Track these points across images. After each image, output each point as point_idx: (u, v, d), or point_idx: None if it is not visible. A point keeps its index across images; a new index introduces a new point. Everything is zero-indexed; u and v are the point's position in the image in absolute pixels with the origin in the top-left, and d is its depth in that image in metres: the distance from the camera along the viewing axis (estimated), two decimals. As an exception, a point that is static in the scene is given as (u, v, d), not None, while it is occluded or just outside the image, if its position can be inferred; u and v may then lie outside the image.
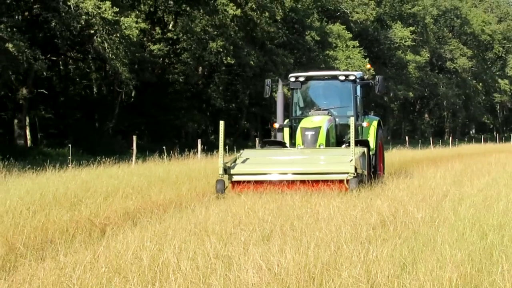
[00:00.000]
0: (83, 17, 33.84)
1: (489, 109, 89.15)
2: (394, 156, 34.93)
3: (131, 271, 6.18)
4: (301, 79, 15.00)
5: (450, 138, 69.95)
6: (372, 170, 14.07)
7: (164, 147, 22.29)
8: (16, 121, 44.82)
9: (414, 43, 66.44)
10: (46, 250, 8.29)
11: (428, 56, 69.66)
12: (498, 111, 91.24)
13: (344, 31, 56.01)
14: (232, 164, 12.68)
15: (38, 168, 19.00)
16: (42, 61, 35.36)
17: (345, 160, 11.61)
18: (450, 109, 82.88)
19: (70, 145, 30.06)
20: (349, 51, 54.11)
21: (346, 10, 58.10)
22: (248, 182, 12.29)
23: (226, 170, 12.48)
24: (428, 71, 72.37)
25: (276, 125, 14.81)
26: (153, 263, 6.62)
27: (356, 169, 11.36)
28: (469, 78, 79.40)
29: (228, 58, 38.74)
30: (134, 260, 6.81)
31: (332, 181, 11.61)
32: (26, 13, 38.98)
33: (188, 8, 43.06)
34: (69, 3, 34.25)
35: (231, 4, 43.21)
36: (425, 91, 74.27)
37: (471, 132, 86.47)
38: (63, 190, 13.90)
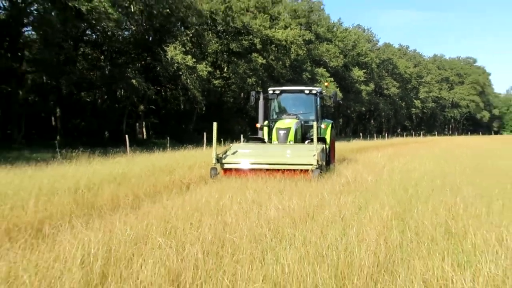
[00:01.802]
0: (175, 64, 40.30)
1: (408, 117, 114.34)
2: (354, 145, 37.82)
3: (204, 209, 7.51)
4: (277, 92, 15.92)
5: (386, 134, 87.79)
6: (327, 159, 14.42)
7: (221, 139, 24.90)
8: (137, 124, 53.44)
9: (365, 79, 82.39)
10: (156, 197, 9.51)
11: (373, 87, 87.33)
12: (414, 119, 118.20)
13: (325, 72, 68.61)
14: (224, 155, 12.97)
15: (150, 151, 21.44)
16: (152, 90, 42.52)
17: (310, 154, 12.10)
18: (386, 118, 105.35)
19: (168, 138, 34.87)
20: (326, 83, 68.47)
21: (326, 60, 72.34)
22: (236, 169, 12.67)
23: (218, 160, 12.68)
24: (373, 95, 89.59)
25: (258, 125, 15.45)
26: (217, 204, 7.94)
27: (318, 161, 11.78)
28: (397, 99, 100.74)
29: (258, 88, 45.22)
30: (206, 203, 8.10)
31: (300, 170, 11.94)
32: (143, 62, 44.74)
33: (235, 59, 51.10)
34: (167, 56, 40.52)
35: (260, 57, 51.72)
36: (371, 107, 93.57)
37: (398, 131, 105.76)
38: (164, 163, 15.44)
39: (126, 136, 28.27)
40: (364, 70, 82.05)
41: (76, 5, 33.93)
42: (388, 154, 25.58)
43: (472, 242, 5.54)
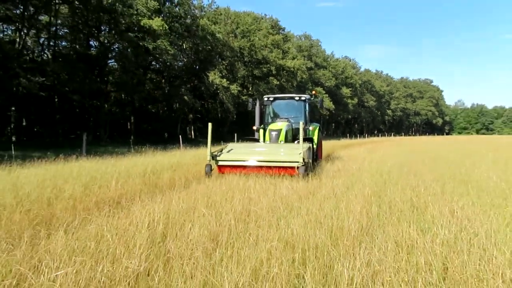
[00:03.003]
0: (215, 85, 40.33)
1: (382, 122, 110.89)
2: (342, 143, 37.59)
3: (235, 188, 7.23)
4: (271, 99, 13.82)
5: (366, 135, 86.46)
6: (314, 157, 12.48)
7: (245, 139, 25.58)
8: (188, 128, 54.13)
9: (351, 95, 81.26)
10: (201, 179, 9.29)
11: (356, 100, 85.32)
12: (386, 123, 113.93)
13: (322, 90, 67.58)
14: (219, 153, 10.56)
15: (197, 147, 21.63)
16: (198, 103, 43.12)
17: (296, 153, 9.80)
18: (366, 123, 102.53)
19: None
20: (323, 98, 67.50)
21: (322, 81, 70.88)
22: (230, 166, 10.15)
23: (213, 157, 10.22)
24: (357, 106, 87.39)
25: (254, 128, 13.39)
26: (244, 185, 7.60)
27: (304, 159, 9.59)
28: (374, 109, 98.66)
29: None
30: (236, 184, 7.76)
31: (288, 167, 9.67)
32: (192, 84, 44.88)
33: (257, 81, 51.12)
34: (209, 80, 40.63)
35: (275, 80, 51.90)
36: (355, 115, 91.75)
37: (375, 132, 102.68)
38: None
39: (180, 136, 28.56)
40: (350, 89, 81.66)
41: (145, 44, 34.43)
42: (368, 149, 25.20)
43: (431, 213, 5.42)
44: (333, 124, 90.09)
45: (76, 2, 31.41)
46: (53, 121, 34.76)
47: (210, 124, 10.37)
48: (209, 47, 42.34)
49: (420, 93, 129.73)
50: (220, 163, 10.29)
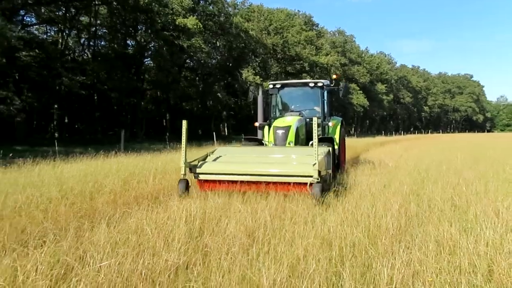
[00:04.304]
0: (248, 82, 39.78)
1: (419, 119, 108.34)
2: (377, 140, 35.99)
3: None
4: (278, 86, 10.46)
5: (402, 132, 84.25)
6: (336, 163, 9.37)
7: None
8: (221, 125, 54.85)
9: (386, 91, 79.43)
10: None
11: (392, 97, 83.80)
12: (423, 120, 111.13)
13: (356, 86, 66.71)
14: (200, 163, 7.22)
15: (230, 142, 22.23)
16: (231, 101, 43.56)
17: (308, 162, 6.46)
18: (402, 120, 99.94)
19: (242, 134, 38.07)
20: (357, 95, 65.93)
21: (356, 78, 69.13)
22: (214, 181, 6.95)
23: (192, 169, 6.99)
24: (392, 103, 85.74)
25: (257, 124, 10.36)
26: None
27: (320, 172, 6.22)
28: (410, 106, 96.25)
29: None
30: None
31: (295, 183, 6.46)
32: (225, 81, 45.12)
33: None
34: (242, 77, 41.01)
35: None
36: (391, 112, 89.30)
37: (411, 129, 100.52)
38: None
39: (214, 133, 28.89)
40: (385, 85, 79.90)
41: (180, 43, 35.05)
42: (404, 147, 24.48)
43: (473, 213, 5.16)
44: (367, 121, 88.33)
45: (114, 3, 32.38)
46: (92, 118, 36.05)
47: (184, 122, 7.15)
48: (242, 44, 42.61)
49: (459, 88, 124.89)
50: (202, 176, 7.02)
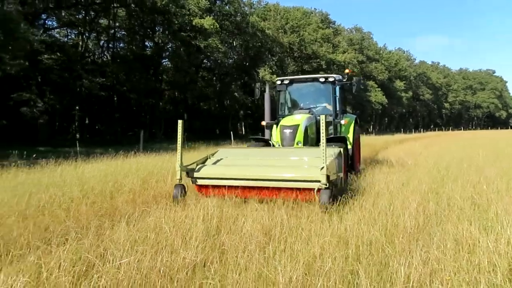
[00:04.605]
0: (264, 81, 40.96)
1: (439, 116, 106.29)
2: (396, 137, 35.46)
3: None
4: (286, 82, 9.75)
5: (421, 129, 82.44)
6: (349, 163, 8.70)
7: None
8: (238, 124, 55.02)
9: (404, 88, 77.77)
10: None
11: (411, 94, 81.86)
12: (444, 117, 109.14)
13: (374, 83, 65.74)
14: (198, 166, 6.76)
15: (248, 142, 23.86)
16: (248, 100, 43.57)
17: (315, 164, 5.82)
18: (421, 117, 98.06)
19: (260, 134, 38.29)
20: (375, 93, 64.98)
21: (374, 75, 67.75)
22: (213, 186, 6.41)
23: (189, 173, 6.56)
24: (411, 100, 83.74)
25: (264, 123, 9.51)
26: None
27: (328, 177, 5.57)
28: (430, 103, 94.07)
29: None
30: None
31: (299, 189, 5.85)
32: (242, 80, 45.48)
33: None
34: (259, 76, 40.86)
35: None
36: (410, 109, 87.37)
37: (431, 127, 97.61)
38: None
39: (231, 132, 28.98)
40: (404, 82, 78.43)
41: (197, 43, 35.32)
42: (424, 144, 23.96)
43: (494, 211, 5.02)
44: (386, 119, 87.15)
45: (133, 5, 32.86)
46: (112, 119, 36.66)
47: (180, 122, 6.65)
48: (259, 43, 42.65)
49: (481, 84, 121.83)
50: (200, 181, 6.58)
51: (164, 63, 41.52)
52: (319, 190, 5.54)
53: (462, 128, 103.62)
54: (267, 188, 6.04)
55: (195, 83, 41.20)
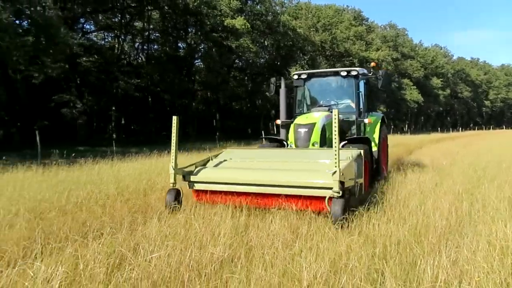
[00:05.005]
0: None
1: (479, 114, 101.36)
2: (432, 137, 34.91)
3: None
4: (303, 76, 8.82)
5: (460, 128, 79.80)
6: (374, 168, 7.76)
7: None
8: (270, 123, 55.23)
9: (442, 86, 74.51)
10: None
11: (449, 91, 78.49)
12: (484, 115, 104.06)
13: (409, 81, 63.98)
14: (197, 168, 6.05)
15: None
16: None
17: (326, 168, 5.05)
18: (460, 115, 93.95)
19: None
20: (410, 91, 63.09)
21: (410, 72, 65.64)
22: (212, 191, 5.74)
23: (185, 176, 5.86)
24: (449, 98, 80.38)
25: (279, 122, 8.51)
26: None
27: (342, 183, 4.77)
28: (469, 101, 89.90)
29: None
30: None
31: (309, 197, 5.07)
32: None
33: None
34: (290, 75, 42.69)
35: None
36: (447, 107, 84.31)
37: (470, 125, 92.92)
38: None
39: (263, 132, 29.11)
40: (441, 79, 75.67)
41: (229, 43, 35.66)
42: (461, 144, 23.23)
43: (532, 213, 4.78)
44: (422, 118, 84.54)
45: (166, 7, 33.61)
46: (147, 120, 37.65)
47: (175, 118, 5.74)
48: (290, 42, 42.50)
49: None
50: (197, 186, 5.89)
51: (197, 63, 42.19)
52: (330, 199, 4.77)
53: (504, 126, 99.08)
54: (270, 195, 5.27)
55: (227, 83, 41.62)
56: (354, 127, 8.27)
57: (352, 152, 5.65)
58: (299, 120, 7.53)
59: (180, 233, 4.20)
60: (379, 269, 3.22)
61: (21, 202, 5.67)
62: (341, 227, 4.42)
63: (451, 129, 71.47)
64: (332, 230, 4.31)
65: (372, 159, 7.58)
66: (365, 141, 7.38)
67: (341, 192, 4.72)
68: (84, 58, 29.97)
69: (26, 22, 20.12)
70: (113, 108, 34.75)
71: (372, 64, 9.96)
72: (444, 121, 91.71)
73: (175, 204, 5.49)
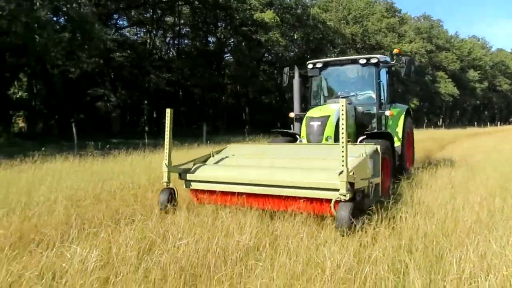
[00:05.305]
0: None
1: None
2: (468, 131, 33.96)
3: None
4: (319, 65, 8.05)
5: (498, 123, 77.25)
6: (397, 164, 7.16)
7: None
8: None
9: (479, 79, 71.51)
10: None
11: (486, 84, 75.21)
12: None
13: (444, 74, 61.78)
14: (195, 166, 5.52)
15: None
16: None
17: (335, 167, 4.24)
18: (498, 109, 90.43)
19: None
20: (445, 83, 60.80)
21: (445, 65, 63.24)
22: (210, 191, 5.20)
23: (181, 174, 5.36)
24: (487, 91, 77.09)
25: (292, 115, 7.99)
26: None
27: (352, 183, 4.15)
28: (509, 94, 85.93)
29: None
30: None
31: (314, 199, 4.49)
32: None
33: None
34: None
35: None
36: (485, 101, 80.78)
37: (510, 120, 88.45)
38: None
39: (291, 125, 29.05)
40: (478, 71, 72.62)
41: (258, 37, 35.65)
42: (499, 138, 22.30)
43: None
44: (458, 112, 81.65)
45: (196, 2, 33.98)
46: (178, 113, 38.35)
47: (168, 110, 5.44)
48: (320, 35, 42.02)
49: None
50: (194, 185, 5.40)
51: (226, 58, 42.48)
52: (337, 202, 4.19)
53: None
54: (272, 196, 4.79)
55: (257, 77, 41.67)
56: (374, 120, 7.63)
57: (366, 148, 4.91)
58: (311, 112, 6.95)
59: (208, 222, 4.32)
60: (404, 260, 3.21)
61: (59, 191, 5.98)
62: (347, 233, 3.88)
63: (488, 123, 68.53)
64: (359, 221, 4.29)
65: (395, 156, 7.00)
66: (386, 136, 6.82)
67: (349, 194, 4.10)
68: (117, 53, 30.80)
69: (62, 19, 20.88)
70: (145, 102, 35.58)
71: (396, 50, 9.07)
72: (481, 115, 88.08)
73: (170, 204, 5.08)
